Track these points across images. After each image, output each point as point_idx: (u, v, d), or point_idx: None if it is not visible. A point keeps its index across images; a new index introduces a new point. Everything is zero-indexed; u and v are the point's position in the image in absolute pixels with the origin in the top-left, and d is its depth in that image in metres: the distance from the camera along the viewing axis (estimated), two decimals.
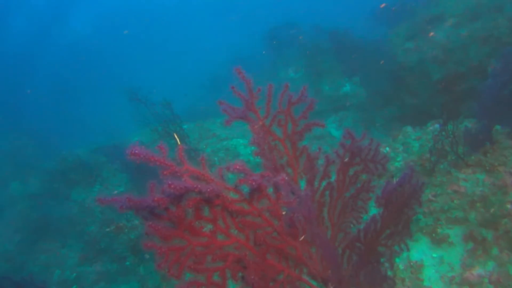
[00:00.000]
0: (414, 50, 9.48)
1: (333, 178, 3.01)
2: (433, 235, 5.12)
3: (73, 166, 13.99)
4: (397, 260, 4.74)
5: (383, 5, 13.18)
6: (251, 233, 2.27)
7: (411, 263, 4.80)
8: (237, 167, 1.75)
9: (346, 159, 2.90)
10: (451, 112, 5.55)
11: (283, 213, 2.16)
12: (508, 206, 4.54)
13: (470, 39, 8.65)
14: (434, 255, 5.02)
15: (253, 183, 1.79)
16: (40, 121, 20.10)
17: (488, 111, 5.54)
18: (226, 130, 10.45)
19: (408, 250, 3.43)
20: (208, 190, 1.81)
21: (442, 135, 5.50)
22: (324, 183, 2.96)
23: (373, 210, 3.32)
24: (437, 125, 6.67)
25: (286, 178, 1.86)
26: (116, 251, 9.28)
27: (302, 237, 2.47)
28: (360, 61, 11.72)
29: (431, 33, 9.29)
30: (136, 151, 1.74)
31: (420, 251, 5.07)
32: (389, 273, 3.43)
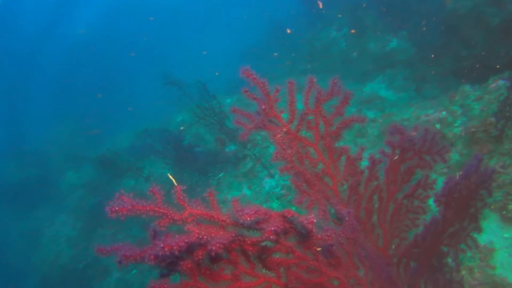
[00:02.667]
0: None
1: (382, 179, 2.52)
2: (504, 212, 4.50)
3: (121, 152, 14.22)
4: (462, 245, 4.20)
5: None
6: (283, 270, 1.87)
7: (480, 248, 4.23)
8: (248, 217, 1.34)
9: (396, 157, 2.40)
10: None
11: (318, 249, 1.74)
12: None
13: None
14: (506, 235, 4.41)
15: (272, 233, 1.37)
16: (87, 109, 20.63)
17: None
18: None
19: (476, 247, 2.90)
20: (216, 242, 1.42)
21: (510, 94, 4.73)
22: (371, 187, 2.48)
23: (433, 209, 2.82)
24: (501, 82, 5.80)
25: (315, 218, 1.43)
26: None
27: (346, 262, 2.05)
28: (405, 13, 10.64)
29: None
30: (117, 208, 1.37)
31: (489, 231, 4.47)
32: (456, 276, 2.94)
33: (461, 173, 2.57)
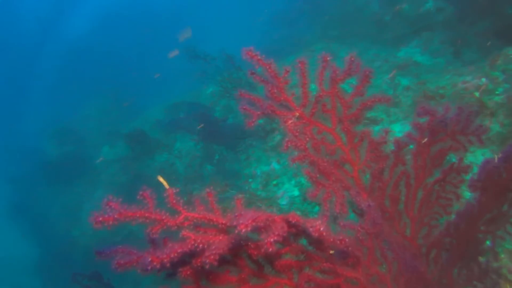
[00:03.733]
0: None
1: (409, 163, 2.29)
2: None
3: (153, 126, 14.34)
4: (499, 232, 3.90)
5: None
6: (295, 271, 1.71)
7: None
8: (244, 227, 1.17)
9: (425, 141, 2.15)
10: None
11: (331, 252, 1.56)
12: None
13: None
14: None
15: (271, 245, 1.20)
16: (120, 85, 20.85)
17: None
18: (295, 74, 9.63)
19: None
20: (211, 253, 1.27)
21: None
22: (397, 172, 2.26)
23: (467, 194, 2.56)
24: None
25: (322, 226, 1.24)
26: None
27: (367, 259, 1.87)
28: None
29: None
30: (101, 218, 1.25)
31: None
32: (493, 264, 2.70)
33: (501, 154, 2.29)
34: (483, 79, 5.55)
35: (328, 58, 1.79)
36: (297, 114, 1.92)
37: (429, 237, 2.43)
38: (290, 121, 1.87)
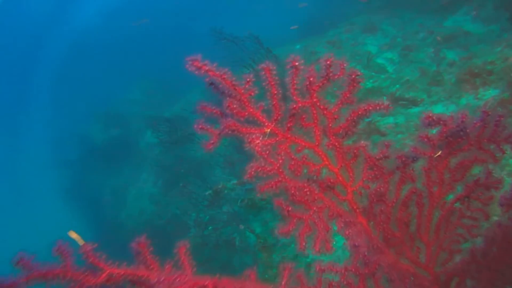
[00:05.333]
0: None
1: (421, 180, 1.86)
2: None
3: (192, 110, 14.25)
4: None
5: None
6: None
7: None
8: None
9: (437, 154, 1.72)
10: None
11: None
12: None
13: None
14: None
15: None
16: (163, 67, 20.97)
17: None
18: (332, 51, 9.05)
19: None
20: None
21: None
22: (404, 191, 1.85)
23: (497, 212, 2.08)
24: None
25: None
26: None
27: None
28: None
29: None
30: (6, 284, 1.01)
31: None
32: None
33: None
34: None
35: (296, 63, 1.41)
36: (268, 130, 1.57)
37: (450, 263, 2.02)
38: (257, 140, 1.52)
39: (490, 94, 5.09)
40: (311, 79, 1.45)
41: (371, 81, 6.81)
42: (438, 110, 5.64)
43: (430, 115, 1.52)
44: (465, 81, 5.47)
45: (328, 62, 1.39)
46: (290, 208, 1.54)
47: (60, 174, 18.30)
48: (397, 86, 6.40)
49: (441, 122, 1.56)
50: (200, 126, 1.54)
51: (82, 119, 19.88)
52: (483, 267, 2.02)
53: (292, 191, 1.54)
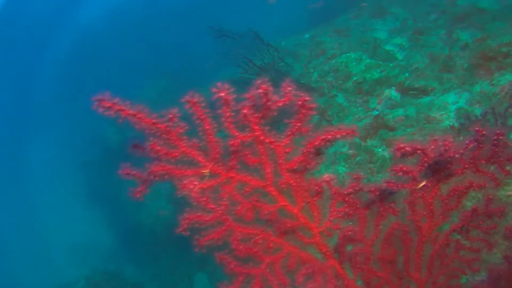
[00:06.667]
0: None
1: (407, 213, 1.56)
2: None
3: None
4: None
5: None
6: None
7: None
8: None
9: (423, 183, 1.41)
10: None
11: None
12: None
13: None
14: None
15: None
16: (178, 63, 20.77)
17: None
18: (338, 40, 8.63)
19: None
20: None
21: None
22: (385, 226, 1.55)
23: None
24: None
25: None
26: None
27: None
28: None
29: None
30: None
31: None
32: None
33: None
34: None
35: (223, 94, 1.12)
36: (207, 171, 1.29)
37: None
38: (193, 184, 1.25)
39: (506, 79, 4.66)
40: (245, 111, 1.16)
41: (378, 70, 6.38)
42: (450, 99, 5.22)
43: (402, 146, 1.21)
44: (479, 66, 5.03)
45: (261, 90, 1.10)
46: (234, 264, 1.27)
47: (77, 176, 18.48)
48: (406, 74, 5.98)
49: (418, 151, 1.24)
50: (125, 172, 1.28)
51: (96, 121, 19.96)
52: None
53: (235, 244, 1.26)
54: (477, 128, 1.38)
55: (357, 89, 6.14)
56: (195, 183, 1.27)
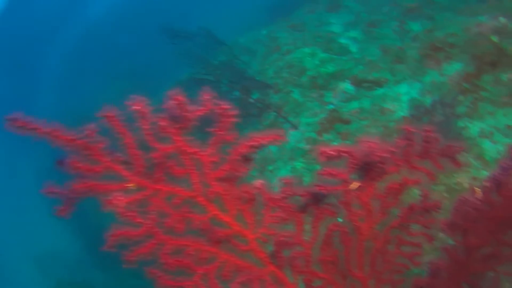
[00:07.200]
0: None
1: (343, 213, 1.56)
2: None
3: None
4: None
5: None
6: None
7: None
8: None
9: (358, 184, 1.41)
10: None
11: None
12: None
13: None
14: None
15: None
16: (134, 64, 20.29)
17: None
18: (292, 36, 8.64)
19: None
20: None
21: None
22: (323, 228, 1.54)
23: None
24: None
25: None
26: None
27: None
28: None
29: None
30: None
31: None
32: None
33: (496, 173, 1.54)
34: (502, 18, 4.48)
35: (138, 107, 1.07)
36: (132, 184, 1.24)
37: None
38: (118, 200, 1.19)
39: (453, 69, 4.80)
40: (162, 123, 1.11)
41: (332, 64, 6.45)
42: (403, 89, 5.34)
43: (325, 150, 1.19)
44: (428, 57, 5.16)
45: (175, 101, 1.06)
46: (165, 278, 1.23)
47: (35, 182, 17.78)
48: (360, 67, 6.06)
49: (344, 154, 1.23)
50: (48, 190, 1.21)
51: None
52: None
53: (164, 257, 1.22)
54: (405, 127, 1.39)
55: (312, 83, 6.18)
56: (121, 198, 1.21)
